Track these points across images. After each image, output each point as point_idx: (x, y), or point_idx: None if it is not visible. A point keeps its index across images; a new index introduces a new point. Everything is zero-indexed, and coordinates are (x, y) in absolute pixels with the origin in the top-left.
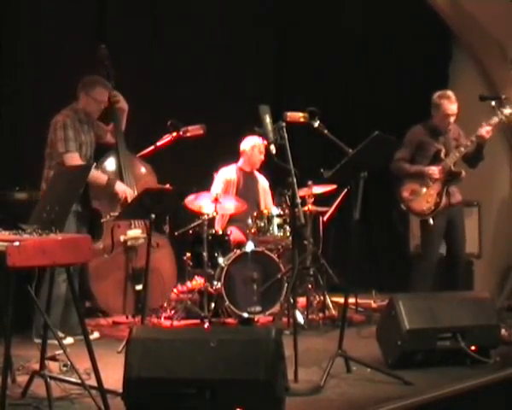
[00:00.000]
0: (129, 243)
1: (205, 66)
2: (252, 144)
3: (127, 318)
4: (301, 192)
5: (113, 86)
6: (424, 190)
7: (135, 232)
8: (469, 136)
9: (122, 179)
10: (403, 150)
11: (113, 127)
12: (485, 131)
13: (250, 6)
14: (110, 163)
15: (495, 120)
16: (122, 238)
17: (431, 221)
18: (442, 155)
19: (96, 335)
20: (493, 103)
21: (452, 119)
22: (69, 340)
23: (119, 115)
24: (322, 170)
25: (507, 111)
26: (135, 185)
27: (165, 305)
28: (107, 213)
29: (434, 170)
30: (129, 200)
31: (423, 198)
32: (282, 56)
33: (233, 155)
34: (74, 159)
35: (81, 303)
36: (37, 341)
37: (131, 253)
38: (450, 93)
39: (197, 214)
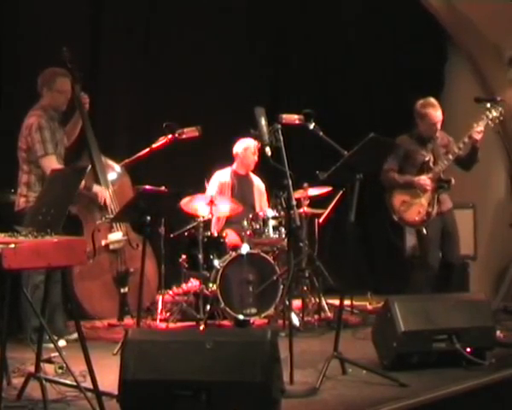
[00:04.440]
0: (111, 247)
1: (201, 68)
2: (244, 146)
3: (118, 321)
4: (297, 194)
5: (81, 88)
6: (415, 200)
7: (116, 235)
8: (460, 140)
9: (98, 182)
10: (390, 161)
11: (70, 128)
12: (477, 132)
13: (244, 7)
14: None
15: (482, 123)
16: (103, 242)
17: (424, 231)
18: (430, 163)
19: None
20: (488, 105)
21: (439, 126)
22: (61, 343)
23: (87, 117)
24: (317, 172)
25: (493, 114)
26: (110, 187)
27: (149, 305)
28: (86, 218)
29: (425, 180)
30: (107, 203)
31: (415, 209)
32: (278, 58)
33: (229, 157)
34: (52, 161)
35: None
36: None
37: (114, 256)
38: (433, 100)
39: (192, 217)
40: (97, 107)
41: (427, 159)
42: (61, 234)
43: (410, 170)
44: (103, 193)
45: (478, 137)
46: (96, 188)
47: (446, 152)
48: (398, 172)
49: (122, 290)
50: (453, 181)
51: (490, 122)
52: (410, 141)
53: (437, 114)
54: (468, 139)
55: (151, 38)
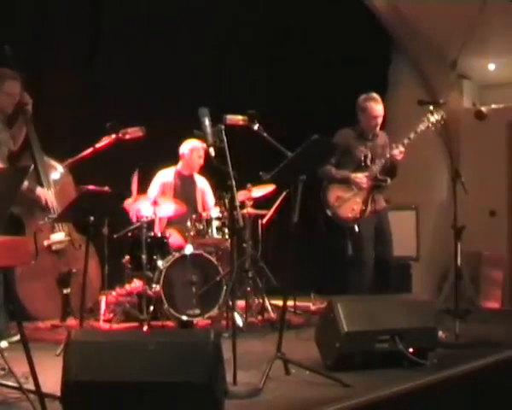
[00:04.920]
0: (53, 248)
1: (145, 68)
2: (190, 148)
3: (60, 322)
4: (240, 195)
5: (23, 88)
6: (350, 197)
7: (59, 236)
8: (397, 144)
9: (40, 183)
10: None
11: (16, 131)
12: (398, 152)
13: (190, 7)
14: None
15: (422, 127)
16: (46, 243)
17: (356, 228)
18: (368, 161)
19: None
20: (431, 108)
21: (379, 120)
22: (3, 344)
23: (29, 118)
24: (261, 173)
25: (434, 118)
26: (52, 188)
27: (92, 306)
28: (28, 218)
29: (362, 178)
30: (49, 204)
31: (349, 205)
32: (222, 59)
33: (173, 157)
34: None
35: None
36: None
37: (57, 257)
38: (375, 95)
39: (136, 217)
40: (40, 106)
41: (363, 157)
42: (2, 234)
43: (347, 165)
44: (46, 195)
45: (399, 157)
46: (38, 190)
47: (382, 153)
48: (335, 166)
49: (65, 291)
50: (389, 181)
51: (431, 125)
52: (351, 134)
53: (378, 107)
54: (390, 156)
55: (97, 37)
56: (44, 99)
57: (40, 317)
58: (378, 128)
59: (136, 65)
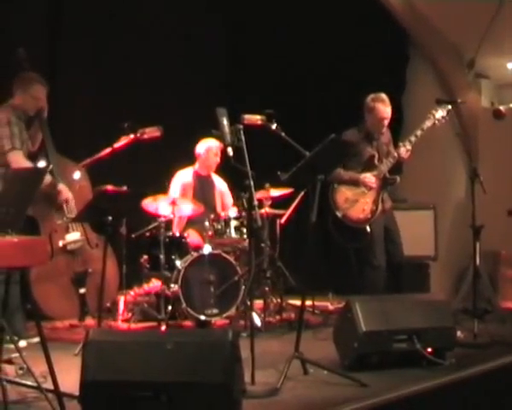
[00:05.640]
0: (68, 248)
1: (163, 68)
2: (206, 147)
3: (79, 321)
4: (258, 195)
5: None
6: (359, 197)
7: (74, 236)
8: (404, 143)
9: None
10: None
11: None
12: (405, 151)
13: (204, 7)
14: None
15: (428, 123)
16: (61, 243)
17: (368, 229)
18: (375, 160)
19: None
20: (449, 107)
21: (386, 122)
22: (22, 343)
23: (44, 121)
24: (279, 173)
25: (439, 114)
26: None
27: (109, 306)
28: (43, 219)
29: (370, 178)
30: (70, 201)
31: (359, 206)
32: (241, 59)
33: (190, 157)
34: (19, 157)
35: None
36: None
37: (72, 257)
38: (383, 96)
39: (154, 217)
40: (57, 107)
41: (370, 157)
42: (19, 234)
43: (354, 166)
44: (67, 192)
45: (406, 156)
46: (60, 186)
47: (388, 151)
48: (342, 167)
49: (81, 291)
50: (398, 180)
51: (437, 122)
52: (357, 136)
53: (386, 109)
54: (398, 154)
55: (111, 38)
56: (60, 100)
57: (56, 317)
58: (384, 129)
59: (152, 65)
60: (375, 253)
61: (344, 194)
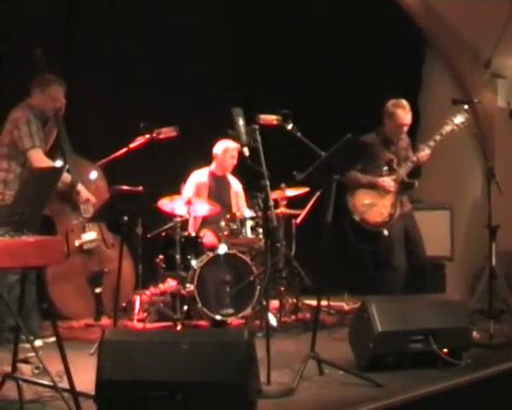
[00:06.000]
0: (84, 247)
1: (178, 68)
2: (224, 148)
3: (94, 321)
4: (274, 195)
5: None
6: (377, 201)
7: (90, 235)
8: (423, 147)
9: None
10: None
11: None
12: (424, 154)
13: (218, 9)
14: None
15: (447, 128)
16: (77, 243)
17: (385, 232)
18: (394, 165)
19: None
20: (466, 107)
21: (405, 129)
22: (38, 342)
23: (61, 120)
24: (294, 173)
25: (458, 120)
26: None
27: (125, 305)
28: (59, 219)
29: (389, 182)
30: (90, 201)
31: (377, 210)
32: (255, 59)
33: (206, 157)
34: (41, 155)
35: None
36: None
37: (88, 256)
38: (404, 102)
39: (170, 217)
40: (73, 107)
41: (389, 162)
42: (36, 234)
43: (373, 170)
44: (86, 192)
45: (425, 159)
46: (79, 186)
47: (406, 156)
48: (360, 171)
49: (96, 290)
50: (417, 184)
51: (456, 128)
52: (376, 140)
53: (406, 116)
54: (417, 158)
55: (127, 38)
56: (76, 101)
57: (72, 317)
58: (404, 134)
59: (168, 64)
60: (394, 254)
61: (362, 198)
